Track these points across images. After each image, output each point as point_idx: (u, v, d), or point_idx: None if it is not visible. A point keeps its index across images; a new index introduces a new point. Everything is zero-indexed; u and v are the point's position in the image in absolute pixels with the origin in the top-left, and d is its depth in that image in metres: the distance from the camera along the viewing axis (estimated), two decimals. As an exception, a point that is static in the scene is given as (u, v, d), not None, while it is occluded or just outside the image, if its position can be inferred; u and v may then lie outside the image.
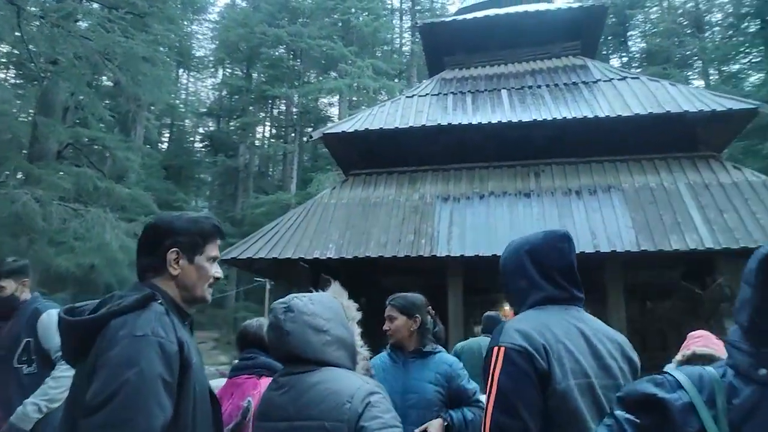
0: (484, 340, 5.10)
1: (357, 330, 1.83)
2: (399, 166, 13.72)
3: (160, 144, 47.14)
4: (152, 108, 35.25)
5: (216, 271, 1.87)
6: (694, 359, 2.15)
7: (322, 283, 14.81)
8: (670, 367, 2.30)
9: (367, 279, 14.02)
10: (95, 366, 1.58)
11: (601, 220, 11.22)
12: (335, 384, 1.63)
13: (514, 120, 12.92)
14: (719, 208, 10.96)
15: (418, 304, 2.95)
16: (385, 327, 2.88)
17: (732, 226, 10.51)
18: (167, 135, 51.21)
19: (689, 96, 12.91)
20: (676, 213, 11.03)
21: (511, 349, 1.65)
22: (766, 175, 13.12)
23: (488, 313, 5.99)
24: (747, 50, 46.94)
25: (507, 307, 13.27)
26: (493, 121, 13.01)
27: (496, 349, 1.69)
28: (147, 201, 28.87)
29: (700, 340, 2.17)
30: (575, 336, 1.81)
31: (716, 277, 12.48)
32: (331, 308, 1.78)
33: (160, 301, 1.70)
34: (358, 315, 1.82)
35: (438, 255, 11.05)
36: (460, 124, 13.13)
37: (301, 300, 1.75)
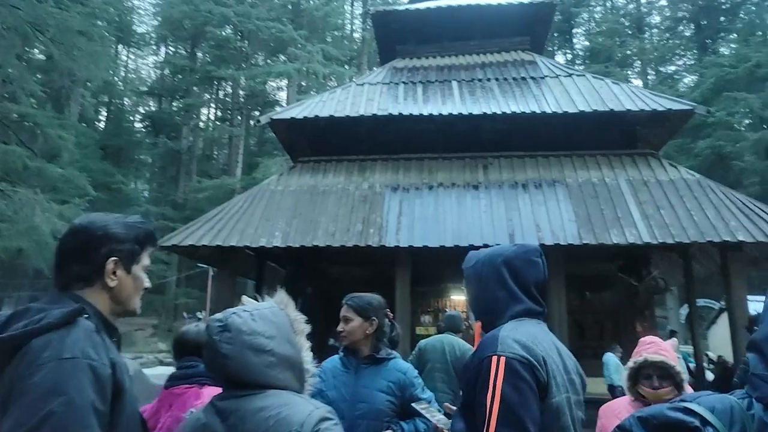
0: (447, 338, 5.20)
1: (305, 345, 1.61)
2: (348, 154, 13.56)
3: (97, 123, 45.00)
4: (88, 85, 33.52)
5: (147, 280, 1.69)
6: (646, 366, 2.16)
7: (267, 272, 14.50)
8: (686, 395, 2.29)
9: (315, 268, 13.87)
10: (11, 395, 1.34)
11: (546, 213, 11.46)
12: (282, 410, 1.42)
13: (465, 112, 12.99)
14: (656, 205, 11.40)
15: (375, 305, 2.76)
16: (339, 328, 2.70)
17: (668, 222, 10.95)
18: (105, 114, 48.93)
19: (631, 95, 13.33)
20: (616, 208, 11.39)
21: (513, 360, 1.55)
22: (700, 173, 13.79)
23: (450, 312, 6.00)
24: (682, 53, 49.18)
25: (455, 298, 13.46)
26: (444, 113, 13.03)
27: (495, 358, 1.57)
28: (82, 182, 27.53)
29: (651, 347, 2.18)
30: (554, 350, 1.77)
31: (651, 270, 13.05)
32: (275, 323, 1.55)
33: (87, 316, 1.49)
34: (307, 328, 1.62)
35: (386, 245, 11.00)
36: (410, 114, 13.09)
37: (239, 316, 1.51)
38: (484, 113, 12.99)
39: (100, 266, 1.55)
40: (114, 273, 1.54)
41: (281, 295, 1.66)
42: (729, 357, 14.66)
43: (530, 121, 13.08)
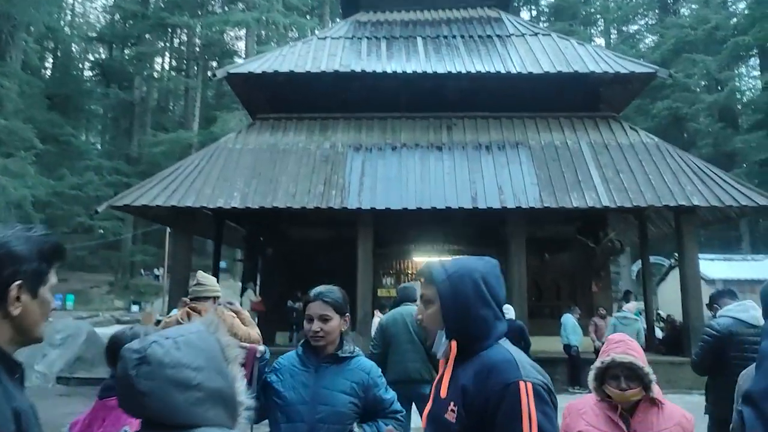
0: (405, 309, 5.10)
1: (238, 374, 1.33)
2: (309, 111, 13.14)
3: (42, 71, 42.51)
4: (31, 29, 31.45)
5: (54, 302, 1.37)
6: (613, 366, 2.09)
7: (226, 232, 14.13)
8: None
9: (275, 229, 13.61)
10: None
11: (509, 175, 11.44)
12: None
13: (429, 71, 12.69)
14: (616, 168, 11.51)
15: (346, 299, 2.48)
16: (315, 328, 2.32)
17: (627, 185, 11.09)
18: (51, 61, 46.22)
19: (595, 56, 13.25)
20: (577, 171, 11.45)
21: (539, 386, 1.43)
22: (656, 134, 13.98)
23: (404, 284, 6.02)
24: (645, 12, 49.33)
25: (417, 259, 13.47)
26: (408, 71, 12.70)
27: (522, 384, 1.42)
28: (27, 134, 26.15)
29: (620, 346, 2.08)
30: None
31: (608, 232, 13.32)
32: (203, 351, 1.25)
33: None
34: (240, 354, 1.34)
35: (349, 207, 10.83)
36: (374, 71, 12.70)
37: (161, 346, 1.21)
38: (449, 72, 12.72)
39: (0, 293, 1.25)
40: (18, 299, 1.23)
41: (210, 316, 1.37)
42: (677, 313, 15.27)
43: (495, 81, 12.89)
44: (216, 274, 16.03)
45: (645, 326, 12.06)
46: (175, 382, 1.17)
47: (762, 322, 3.52)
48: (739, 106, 40.73)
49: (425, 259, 13.39)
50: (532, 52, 13.43)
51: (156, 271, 37.65)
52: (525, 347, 8.18)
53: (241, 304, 13.49)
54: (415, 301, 5.22)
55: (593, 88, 13.33)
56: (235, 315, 3.90)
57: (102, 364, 13.10)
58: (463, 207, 10.78)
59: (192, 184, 11.43)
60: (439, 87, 13.24)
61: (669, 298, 20.71)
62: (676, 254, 28.28)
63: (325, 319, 2.39)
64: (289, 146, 12.34)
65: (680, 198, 10.81)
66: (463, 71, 12.68)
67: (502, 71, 12.66)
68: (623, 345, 2.17)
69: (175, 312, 4.96)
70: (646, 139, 12.46)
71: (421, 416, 4.33)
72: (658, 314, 15.16)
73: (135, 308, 31.87)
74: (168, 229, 29.50)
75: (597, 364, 2.19)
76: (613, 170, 11.50)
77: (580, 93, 13.23)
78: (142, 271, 40.10)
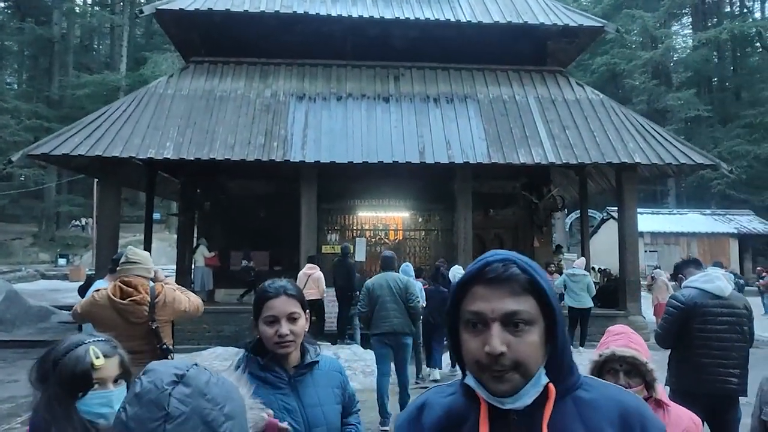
0: (389, 275, 6.06)
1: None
2: (248, 56, 12.29)
3: (-56, -1, 38.25)
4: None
5: None
6: (613, 361, 1.86)
7: (160, 183, 13.28)
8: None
9: (212, 182, 12.91)
10: None
11: (457, 130, 11.19)
12: None
13: (376, 16, 12.07)
14: (562, 124, 11.47)
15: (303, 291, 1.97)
16: (284, 331, 1.72)
17: (572, 142, 11.09)
18: (-46, -11, 41.57)
19: (545, 8, 12.98)
20: (524, 127, 11.34)
21: None
22: (595, 88, 14.04)
23: (385, 253, 6.60)
24: (588, -35, 49.34)
25: (362, 215, 13.17)
26: (354, 15, 12.03)
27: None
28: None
29: (621, 339, 1.85)
30: None
31: (551, 188, 13.43)
32: (235, 402, 0.94)
33: None
34: (260, 422, 1.06)
35: (292, 160, 10.30)
36: (318, 14, 11.94)
37: (202, 373, 0.90)
38: (397, 18, 12.15)
39: None
40: None
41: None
42: (608, 265, 15.86)
43: (444, 29, 12.46)
44: (149, 227, 15.23)
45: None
46: (204, 419, 0.88)
47: (727, 293, 3.48)
48: (671, 64, 41.95)
49: (371, 214, 13.13)
50: (482, 1, 13.00)
51: (82, 222, 35.66)
52: None
53: (194, 261, 12.77)
54: (396, 270, 6.35)
55: (541, 41, 13.12)
56: (176, 288, 3.46)
57: (23, 325, 12.26)
58: (410, 161, 10.49)
59: (119, 132, 10.54)
60: (386, 34, 12.67)
61: (600, 250, 21.48)
62: (608, 208, 29.52)
63: (293, 319, 1.83)
64: (226, 93, 11.54)
65: (623, 155, 10.93)
66: (412, 18, 12.15)
67: (452, 20, 12.22)
68: (624, 337, 1.94)
69: (100, 284, 4.45)
70: (592, 95, 12.46)
71: (397, 360, 5.35)
72: (591, 267, 15.59)
73: (62, 261, 30.23)
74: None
75: (594, 357, 1.95)
76: (559, 126, 11.46)
77: (528, 45, 13.01)
78: (73, 221, 37.97)
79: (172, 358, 3.10)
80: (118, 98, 32.00)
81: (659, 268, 18.70)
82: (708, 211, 31.77)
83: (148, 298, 3.09)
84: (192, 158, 10.25)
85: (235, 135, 10.65)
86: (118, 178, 11.19)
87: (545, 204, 13.17)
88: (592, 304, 10.34)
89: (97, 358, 1.59)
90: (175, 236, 32.75)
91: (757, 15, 44.01)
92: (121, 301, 3.05)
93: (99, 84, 33.89)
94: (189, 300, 3.41)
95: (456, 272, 8.55)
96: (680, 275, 3.64)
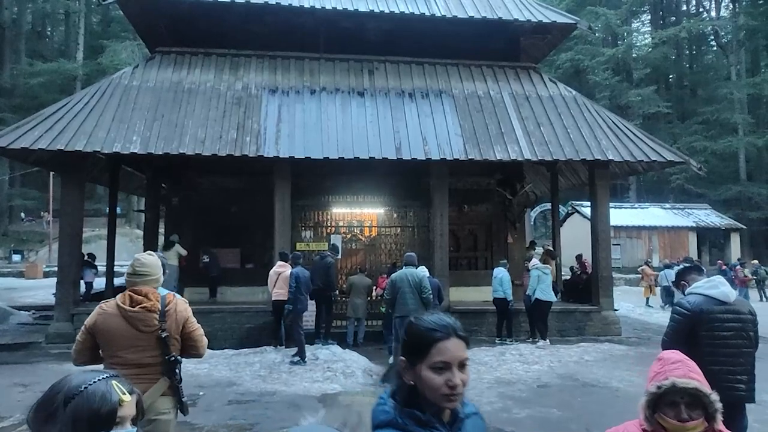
0: (408, 271, 7.72)
1: None
2: (218, 47, 11.88)
3: None
4: None
5: None
6: (673, 393, 1.72)
7: (123, 177, 12.80)
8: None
9: (181, 177, 12.48)
10: None
11: (433, 125, 11.08)
12: None
13: (350, 8, 11.82)
14: (537, 121, 11.50)
15: None
16: (456, 382, 1.37)
17: (548, 139, 11.12)
18: None
19: (518, 4, 12.96)
20: (500, 123, 11.31)
21: None
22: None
23: (408, 252, 8.33)
24: (553, -39, 49.97)
25: (336, 211, 12.94)
26: (327, 6, 11.76)
27: None
28: None
29: (679, 368, 1.71)
30: None
31: (524, 184, 13.49)
32: None
33: None
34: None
35: (265, 155, 10.01)
36: (290, 5, 11.62)
37: None
38: (371, 11, 11.92)
39: None
40: None
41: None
42: (572, 259, 16.01)
43: (419, 23, 12.30)
44: (113, 222, 14.66)
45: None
46: None
47: (732, 298, 3.46)
48: (632, 61, 42.87)
49: (346, 211, 12.93)
50: (457, -6, 12.89)
51: (44, 215, 34.09)
52: (440, 303, 8.64)
53: (165, 259, 12.36)
54: (415, 266, 7.90)
55: (515, 37, 13.11)
56: (187, 303, 3.20)
57: (-20, 328, 11.59)
58: (387, 157, 10.33)
59: (82, 125, 10.04)
60: (360, 27, 12.44)
61: (565, 244, 21.78)
62: (572, 202, 30.00)
63: (464, 365, 1.45)
64: (195, 85, 11.14)
65: (596, 152, 11.03)
66: (386, 11, 11.96)
67: (426, 13, 12.08)
68: (683, 366, 1.81)
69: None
70: (565, 92, 12.53)
71: None
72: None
73: (16, 258, 29.01)
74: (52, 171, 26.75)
75: (651, 388, 1.81)
76: (534, 123, 11.48)
77: (502, 41, 12.98)
78: (23, 215, 36.41)
79: (180, 370, 2.95)
80: (75, 88, 30.86)
81: (649, 263, 19.79)
82: (668, 206, 32.70)
83: (159, 306, 2.95)
84: (160, 153, 9.85)
85: (205, 129, 10.29)
86: (81, 173, 10.67)
87: (519, 200, 13.22)
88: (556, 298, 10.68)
89: (124, 394, 1.38)
90: (137, 231, 31.86)
91: (712, 14, 45.34)
92: (130, 308, 2.90)
93: (54, 72, 32.55)
94: (201, 336, 3.17)
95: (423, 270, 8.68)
96: (683, 281, 3.59)
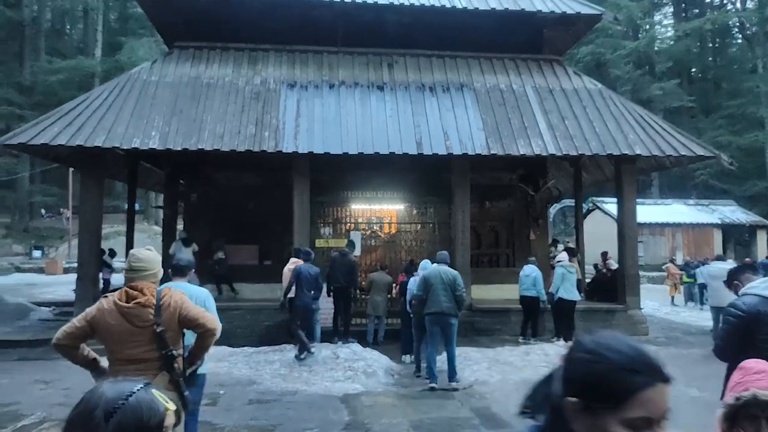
0: (442, 268, 7.53)
1: None
2: (235, 41, 11.77)
3: None
4: None
5: None
6: (754, 406, 1.53)
7: (142, 174, 12.78)
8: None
9: (199, 173, 12.41)
10: None
11: (454, 119, 10.85)
12: None
13: (369, 1, 11.61)
14: (561, 115, 11.20)
15: None
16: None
17: (572, 133, 10.83)
18: None
19: (541, -6, 12.64)
20: (523, 117, 11.04)
21: None
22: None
23: (441, 251, 8.12)
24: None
25: (355, 207, 12.78)
26: (346, 0, 11.58)
27: None
28: None
29: (762, 379, 1.53)
30: None
31: (547, 180, 13.20)
32: None
33: None
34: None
35: (284, 151, 9.87)
36: (308, -2, 11.46)
37: None
38: (390, 3, 11.71)
39: None
40: None
41: None
42: (592, 256, 15.66)
43: (439, 15, 12.06)
44: (131, 218, 14.66)
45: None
46: None
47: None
48: (655, 54, 42.07)
49: (365, 207, 12.76)
50: (478, -15, 12.61)
51: (62, 211, 34.47)
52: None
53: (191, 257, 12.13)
54: (448, 264, 7.81)
55: (538, 29, 12.78)
56: (183, 293, 3.16)
57: (2, 323, 11.63)
58: (407, 152, 10.13)
59: (101, 121, 9.99)
60: (379, 20, 12.21)
61: (586, 241, 21.35)
62: (593, 198, 29.50)
63: (665, 418, 1.00)
64: (213, 80, 11.03)
65: (623, 147, 10.71)
66: (406, 3, 11.73)
67: (447, 5, 11.84)
68: (766, 377, 1.62)
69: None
70: (590, 85, 12.21)
71: (444, 336, 7.05)
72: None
73: (37, 254, 29.30)
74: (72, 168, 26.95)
75: (730, 400, 1.63)
76: (558, 117, 11.19)
77: (524, 33, 12.66)
78: (43, 212, 36.84)
79: (178, 364, 2.91)
80: (93, 85, 31.05)
81: (673, 260, 19.34)
82: (692, 202, 32.01)
83: (153, 300, 2.93)
84: (179, 148, 9.76)
85: (224, 124, 10.17)
86: (100, 169, 10.63)
87: (541, 196, 12.93)
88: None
89: (167, 402, 1.21)
90: (155, 227, 32.03)
91: (737, 5, 44.32)
92: (126, 304, 2.90)
93: (73, 69, 32.82)
94: (199, 313, 3.07)
95: (425, 265, 8.37)
96: (735, 281, 3.34)
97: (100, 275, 11.87)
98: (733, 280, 3.36)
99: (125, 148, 9.83)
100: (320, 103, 10.83)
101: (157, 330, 2.86)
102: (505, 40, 12.44)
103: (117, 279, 14.90)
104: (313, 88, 11.13)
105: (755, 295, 3.09)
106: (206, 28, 11.84)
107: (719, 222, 29.40)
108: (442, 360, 7.41)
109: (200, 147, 9.77)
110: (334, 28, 12.11)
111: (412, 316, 8.17)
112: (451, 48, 12.27)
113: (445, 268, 7.56)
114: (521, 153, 10.40)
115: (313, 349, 8.21)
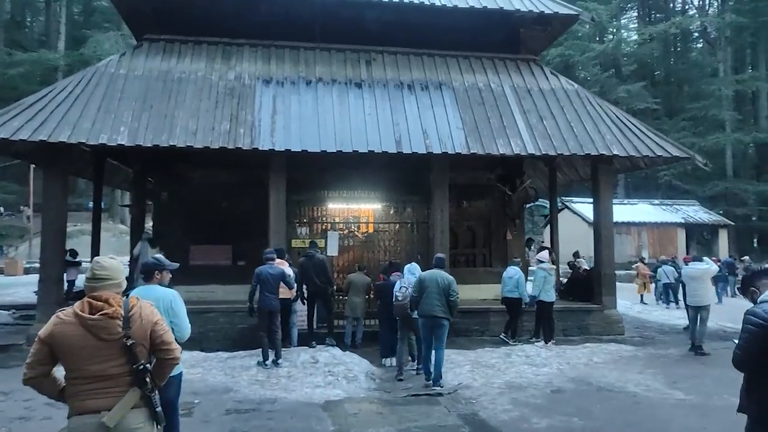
0: (437, 272, 7.57)
1: None
2: (208, 35, 11.39)
3: None
4: None
5: None
6: None
7: (109, 171, 12.28)
8: None
9: (171, 170, 11.97)
10: None
11: (433, 118, 10.71)
12: None
13: (347, -4, 11.40)
14: (540, 114, 11.18)
15: None
16: None
17: (550, 133, 10.81)
18: None
19: (519, -7, 12.61)
20: (502, 116, 10.98)
21: None
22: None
23: (438, 254, 8.36)
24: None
25: (332, 206, 12.52)
26: (323, -6, 11.33)
27: None
28: None
29: None
30: None
31: (524, 180, 13.19)
32: None
33: None
34: None
35: (260, 148, 9.56)
36: (284, -9, 11.16)
37: None
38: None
39: None
40: None
41: None
42: (564, 254, 15.77)
43: (417, 13, 11.90)
44: (97, 218, 14.11)
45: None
46: None
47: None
48: (623, 57, 42.88)
49: (342, 206, 12.52)
50: (457, -16, 12.50)
51: (23, 209, 33.16)
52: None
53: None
54: (443, 268, 7.85)
55: (515, 28, 12.75)
56: (153, 306, 2.90)
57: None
58: (387, 151, 9.94)
59: (66, 115, 9.51)
60: (357, 16, 11.99)
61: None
62: (563, 198, 29.90)
63: None
64: (185, 75, 10.64)
65: (601, 147, 10.74)
66: (385, 0, 11.55)
67: (426, 2, 11.69)
68: None
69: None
70: (567, 85, 12.24)
71: (435, 337, 7.23)
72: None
73: (-6, 253, 28.12)
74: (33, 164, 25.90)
75: None
76: (536, 116, 11.17)
77: (502, 32, 12.62)
78: (1, 209, 35.40)
79: (150, 378, 2.66)
80: (56, 79, 29.97)
81: (643, 260, 19.54)
82: (657, 202, 32.73)
83: (122, 312, 2.66)
84: (149, 145, 9.36)
85: (197, 120, 9.81)
86: (65, 166, 10.13)
87: (518, 195, 12.91)
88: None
89: None
90: (121, 226, 31.06)
91: (695, 11, 45.50)
92: (90, 316, 2.60)
93: (34, 63, 31.64)
94: (173, 339, 2.89)
95: (412, 269, 8.47)
96: (752, 288, 3.22)
97: (65, 276, 11.31)
98: (749, 287, 3.24)
99: (91, 143, 9.38)
100: (297, 100, 10.56)
101: (128, 343, 2.62)
102: (483, 38, 12.39)
103: (83, 279, 14.36)
104: (290, 85, 10.84)
105: None
106: (178, 20, 11.43)
107: (683, 221, 30.14)
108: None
109: (172, 144, 9.39)
110: (312, 23, 11.84)
111: (397, 318, 8.03)
112: (430, 46, 12.15)
113: (441, 272, 7.60)
114: (501, 153, 10.32)
115: (267, 363, 7.92)
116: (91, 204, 16.98)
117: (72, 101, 9.79)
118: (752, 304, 3.14)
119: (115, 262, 2.88)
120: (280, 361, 8.03)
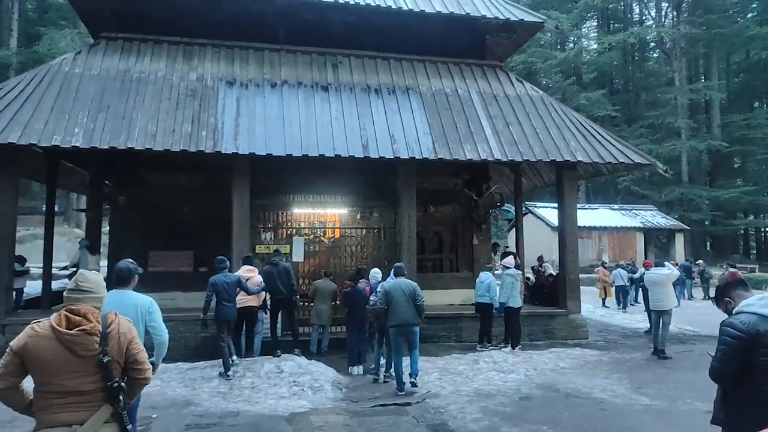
0: (401, 281, 7.68)
1: None
2: (169, 34, 11.06)
3: None
4: None
5: None
6: None
7: (63, 173, 11.78)
8: None
9: (129, 173, 11.54)
10: None
11: (400, 123, 10.63)
12: None
13: (313, -2, 11.23)
14: (506, 120, 11.23)
15: None
16: None
17: (517, 139, 10.87)
18: None
19: (485, 0, 12.68)
20: (469, 122, 10.99)
21: None
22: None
23: (397, 263, 8.30)
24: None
25: (298, 211, 12.28)
26: (288, -5, 11.13)
27: None
28: None
29: None
30: None
31: (490, 185, 13.23)
32: None
33: None
34: None
35: (224, 151, 9.30)
36: (248, -8, 10.93)
37: None
38: (335, 1, 11.39)
39: None
40: None
41: None
42: (528, 259, 15.91)
43: (384, 16, 11.85)
44: (50, 222, 13.48)
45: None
46: None
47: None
48: (583, 65, 43.83)
49: (308, 211, 12.30)
50: (423, -11, 12.48)
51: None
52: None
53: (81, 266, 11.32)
54: (405, 275, 7.97)
55: (481, 34, 12.82)
56: (131, 324, 2.86)
57: None
58: (354, 155, 9.80)
59: (16, 115, 9.05)
60: (323, 19, 11.86)
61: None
62: (526, 203, 30.29)
63: None
64: (145, 75, 10.29)
65: (565, 153, 10.86)
66: (350, 2, 11.43)
67: (393, 7, 11.65)
68: None
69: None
70: (532, 91, 12.35)
71: (408, 344, 7.45)
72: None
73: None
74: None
75: None
76: (502, 122, 11.21)
77: (468, 38, 12.68)
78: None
79: (124, 397, 2.63)
80: (8, 77, 28.75)
81: (604, 264, 19.75)
82: (616, 207, 33.47)
83: (99, 328, 2.61)
84: (106, 147, 8.98)
85: (156, 122, 9.47)
86: (15, 169, 9.64)
87: (485, 200, 12.95)
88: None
89: None
90: (76, 230, 29.97)
91: (651, 22, 46.89)
92: (68, 331, 2.53)
93: (-17, 60, 30.24)
94: (147, 360, 2.87)
95: (374, 275, 8.96)
96: (727, 298, 3.20)
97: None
98: (723, 297, 3.21)
99: (44, 145, 8.95)
100: (262, 103, 10.33)
101: (104, 360, 2.57)
102: (449, 44, 12.40)
103: (33, 287, 13.68)
104: (254, 87, 10.60)
105: (752, 313, 2.96)
106: (136, 18, 11.07)
107: (641, 226, 30.90)
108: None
109: (130, 146, 9.04)
110: (276, 24, 11.64)
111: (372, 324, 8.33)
112: (397, 50, 12.10)
113: (404, 280, 7.75)
114: (468, 158, 10.31)
115: (229, 374, 7.70)
116: (44, 207, 16.28)
117: (23, 101, 9.33)
118: (726, 315, 3.11)
119: (99, 277, 2.84)
120: (236, 359, 8.08)
